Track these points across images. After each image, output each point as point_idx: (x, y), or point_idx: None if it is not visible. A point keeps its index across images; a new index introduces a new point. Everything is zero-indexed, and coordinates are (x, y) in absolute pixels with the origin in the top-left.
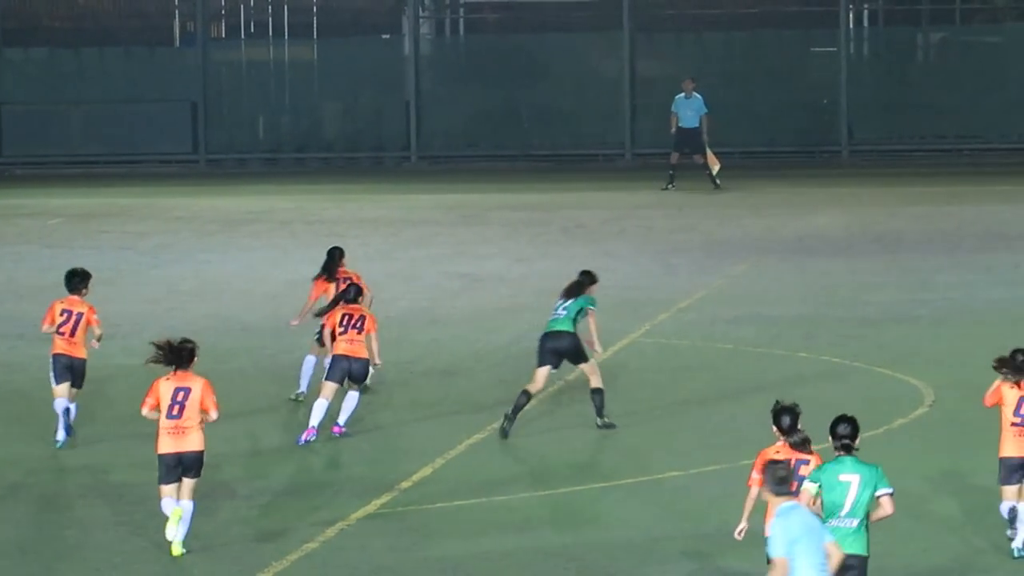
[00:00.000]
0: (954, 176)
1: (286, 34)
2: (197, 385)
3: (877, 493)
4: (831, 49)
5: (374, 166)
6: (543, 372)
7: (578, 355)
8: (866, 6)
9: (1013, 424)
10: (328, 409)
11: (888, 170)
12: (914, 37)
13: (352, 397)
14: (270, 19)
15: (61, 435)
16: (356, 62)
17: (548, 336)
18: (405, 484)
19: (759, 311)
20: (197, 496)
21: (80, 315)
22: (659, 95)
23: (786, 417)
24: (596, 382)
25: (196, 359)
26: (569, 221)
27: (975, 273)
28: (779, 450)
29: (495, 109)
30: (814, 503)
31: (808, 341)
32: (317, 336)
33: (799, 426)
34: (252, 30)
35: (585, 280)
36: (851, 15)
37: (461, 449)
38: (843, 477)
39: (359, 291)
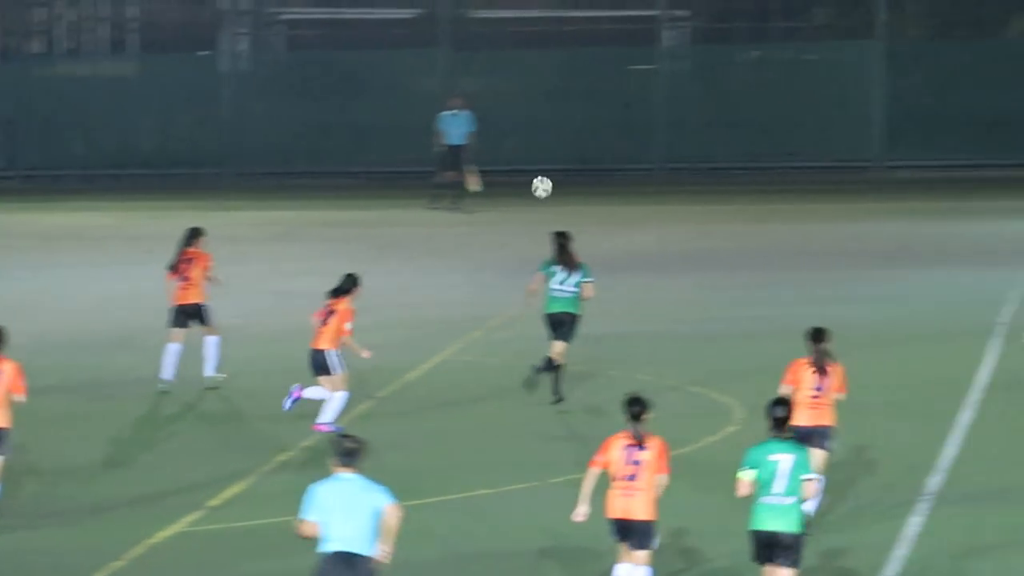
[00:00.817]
0: (768, 194)
1: (104, 50)
2: (8, 367)
3: (802, 476)
4: (648, 67)
5: (190, 182)
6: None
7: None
8: (683, 24)
9: (811, 396)
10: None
11: (703, 188)
12: (731, 55)
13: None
14: (88, 35)
15: None
16: (174, 79)
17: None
18: (213, 502)
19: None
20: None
21: None
22: (477, 112)
23: (635, 406)
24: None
25: (6, 342)
26: (384, 238)
27: (787, 290)
28: (622, 436)
29: (313, 126)
30: (749, 486)
31: (621, 358)
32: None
33: (647, 414)
34: (70, 46)
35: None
36: (669, 33)
37: (271, 467)
38: (773, 457)
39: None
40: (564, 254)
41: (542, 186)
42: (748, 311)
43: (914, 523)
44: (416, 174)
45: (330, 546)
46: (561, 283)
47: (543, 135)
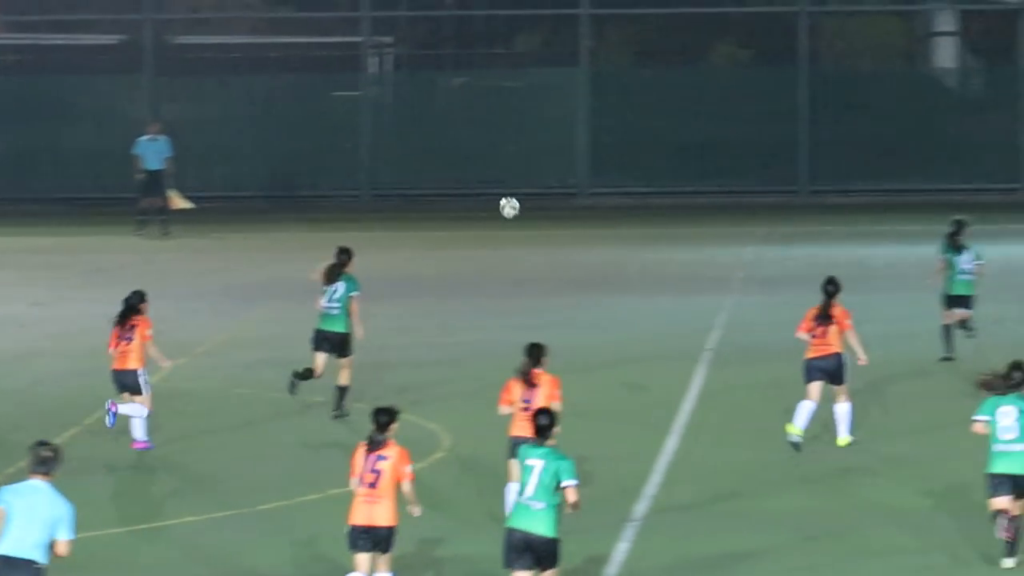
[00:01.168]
0: (475, 221)
1: None
2: None
3: (562, 483)
4: (353, 93)
5: None
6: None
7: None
8: (388, 50)
9: (524, 409)
10: None
11: (410, 214)
12: (435, 81)
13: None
14: None
15: None
16: None
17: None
18: None
19: (279, 355)
20: None
21: None
22: (183, 138)
23: (381, 415)
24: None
25: None
26: (88, 265)
27: (494, 317)
28: (365, 445)
29: (17, 152)
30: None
31: (325, 384)
32: None
33: (393, 426)
34: None
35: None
36: (373, 59)
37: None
38: (530, 461)
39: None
40: (334, 271)
41: (509, 204)
42: (456, 337)
43: (621, 548)
44: (122, 200)
45: (1, 547)
46: (329, 300)
47: (248, 161)
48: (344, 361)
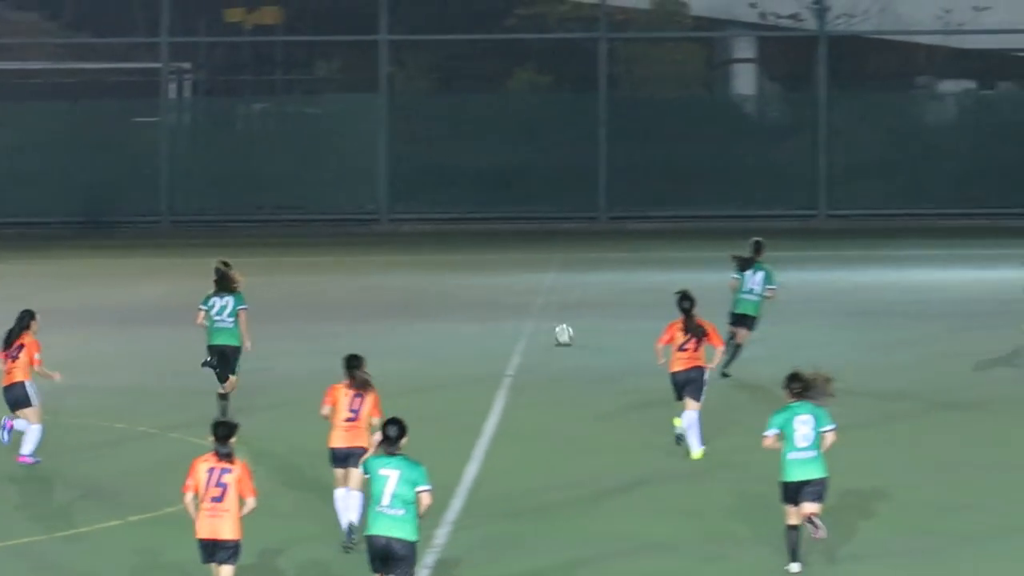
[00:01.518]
0: (276, 247)
1: None
2: None
3: (417, 489)
4: (153, 119)
5: None
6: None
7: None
8: (187, 76)
9: (346, 419)
10: None
11: (209, 240)
12: (235, 108)
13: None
14: None
15: None
16: None
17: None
18: None
19: (82, 381)
20: None
21: None
22: None
23: (221, 428)
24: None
25: None
26: None
27: (298, 343)
28: (207, 459)
29: None
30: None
31: (130, 411)
32: None
33: (233, 439)
34: None
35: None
36: (173, 85)
37: None
38: (383, 471)
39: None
40: (224, 282)
41: (566, 332)
42: (257, 363)
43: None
44: None
45: None
46: (219, 314)
47: (49, 188)
48: (231, 378)
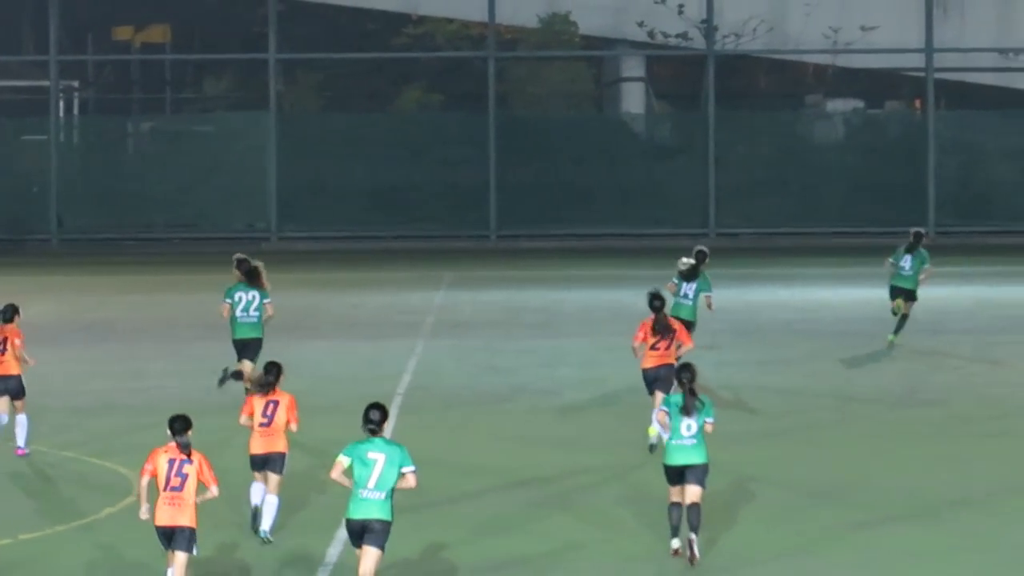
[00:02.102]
0: (167, 265)
1: None
2: None
3: (402, 469)
4: (42, 137)
5: None
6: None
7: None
8: (76, 94)
9: (260, 425)
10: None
11: (100, 258)
12: (124, 126)
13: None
14: None
15: None
16: None
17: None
18: None
19: None
20: None
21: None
22: None
23: (178, 422)
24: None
25: None
26: None
27: (190, 363)
28: (167, 450)
29: None
30: (344, 474)
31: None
32: None
33: (189, 432)
34: None
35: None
36: (62, 103)
37: None
38: (371, 455)
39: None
40: (253, 278)
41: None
42: (148, 382)
43: None
44: None
45: None
46: (244, 309)
47: None
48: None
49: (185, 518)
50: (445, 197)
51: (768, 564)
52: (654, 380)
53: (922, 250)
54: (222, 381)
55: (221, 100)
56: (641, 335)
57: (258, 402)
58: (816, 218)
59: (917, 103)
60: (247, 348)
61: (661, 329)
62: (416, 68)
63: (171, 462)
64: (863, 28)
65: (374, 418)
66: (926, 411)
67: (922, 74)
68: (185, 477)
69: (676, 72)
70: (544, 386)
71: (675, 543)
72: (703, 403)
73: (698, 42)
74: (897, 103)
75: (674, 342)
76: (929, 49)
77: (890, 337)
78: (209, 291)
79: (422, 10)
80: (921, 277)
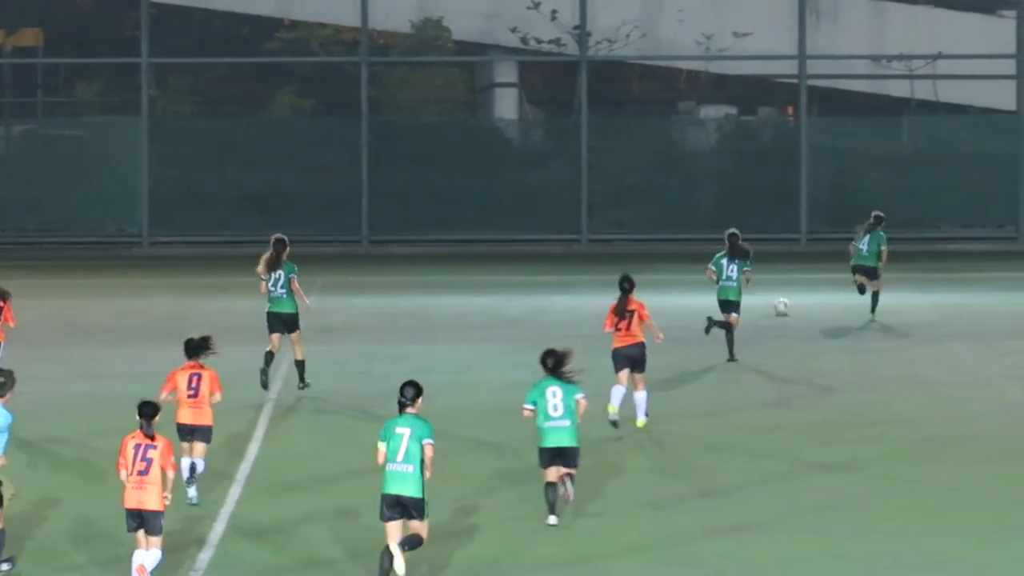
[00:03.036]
0: (38, 269)
1: None
2: None
3: (422, 440)
4: None
5: None
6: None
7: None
8: None
9: (188, 397)
10: None
11: None
12: None
13: None
14: None
15: None
16: None
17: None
18: None
19: None
20: None
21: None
22: None
23: (146, 407)
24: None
25: None
26: None
27: (55, 366)
28: (135, 436)
29: None
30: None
31: None
32: None
33: (156, 418)
34: None
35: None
36: None
37: None
38: (399, 429)
39: None
40: (274, 260)
41: (782, 307)
42: (20, 387)
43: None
44: None
45: None
46: (274, 285)
47: None
48: (295, 336)
49: (152, 501)
50: (317, 202)
51: (630, 559)
52: (623, 359)
53: (880, 232)
54: (264, 375)
55: (93, 104)
56: (608, 321)
57: (182, 376)
58: (689, 224)
59: (790, 110)
60: (285, 322)
61: (620, 311)
62: (289, 73)
63: (137, 447)
64: (736, 34)
65: (406, 394)
66: (796, 418)
67: (795, 81)
68: (150, 461)
69: (549, 78)
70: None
71: (552, 519)
72: (569, 384)
73: (571, 48)
74: (770, 109)
75: (635, 320)
76: (802, 56)
77: (869, 316)
78: (79, 295)
79: (295, 15)
80: (882, 260)
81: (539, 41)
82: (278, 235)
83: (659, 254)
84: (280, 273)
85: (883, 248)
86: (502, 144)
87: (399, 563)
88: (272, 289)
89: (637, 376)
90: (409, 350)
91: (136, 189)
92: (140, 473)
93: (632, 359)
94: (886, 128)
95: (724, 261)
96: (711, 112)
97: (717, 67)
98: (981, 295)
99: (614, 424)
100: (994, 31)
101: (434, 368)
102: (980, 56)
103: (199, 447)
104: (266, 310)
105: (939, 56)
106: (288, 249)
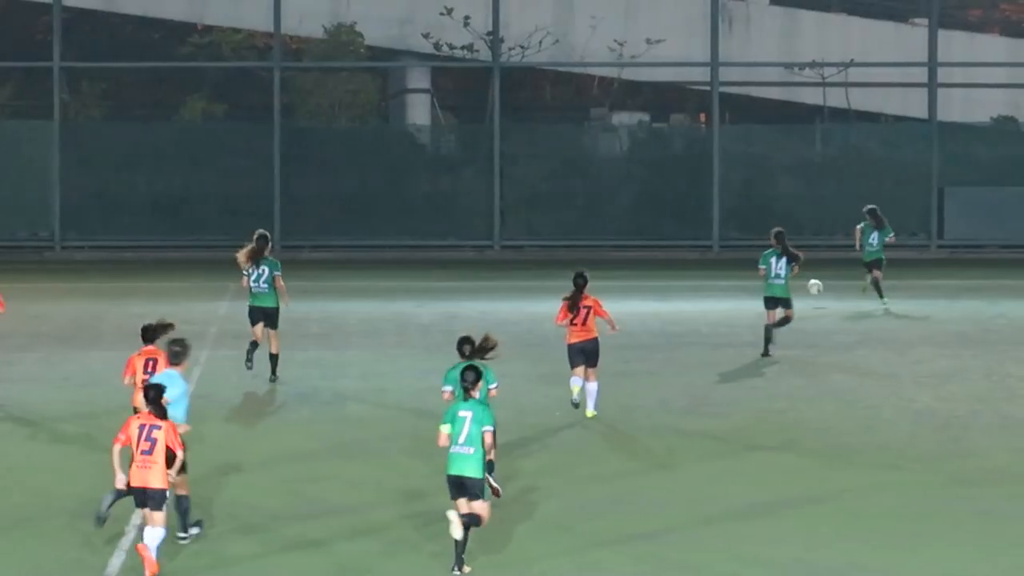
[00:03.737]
0: None
1: None
2: None
3: (483, 428)
4: None
5: None
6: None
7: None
8: None
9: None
10: None
11: None
12: None
13: None
14: None
15: None
16: None
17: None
18: None
19: None
20: None
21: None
22: None
23: (151, 391)
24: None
25: None
26: None
27: None
28: (140, 416)
29: None
30: (446, 438)
31: None
32: None
33: (163, 400)
34: None
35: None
36: None
37: None
38: (461, 413)
39: None
40: (257, 253)
41: (815, 286)
42: None
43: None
44: None
45: None
46: (256, 280)
47: None
48: (273, 332)
49: (157, 479)
50: (229, 207)
51: (539, 568)
52: (578, 354)
53: (887, 227)
54: (249, 357)
55: (4, 108)
56: (560, 315)
57: (138, 361)
58: (601, 231)
59: (702, 117)
60: (267, 316)
61: (573, 306)
62: (201, 78)
63: (142, 427)
64: (649, 41)
65: (468, 378)
66: (709, 424)
67: (707, 88)
68: (155, 441)
69: (462, 84)
70: (326, 397)
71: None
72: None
73: (484, 54)
74: (682, 116)
75: (590, 316)
76: (714, 63)
77: (884, 303)
78: None
79: (208, 20)
80: (888, 240)
81: (452, 47)
82: (261, 231)
83: (569, 260)
84: (264, 269)
85: (890, 236)
86: (415, 150)
87: (456, 528)
88: (255, 284)
89: (589, 370)
90: (321, 355)
91: (48, 194)
92: (144, 453)
93: (586, 353)
94: (798, 135)
95: (773, 259)
96: (623, 119)
97: (630, 74)
98: (893, 303)
99: (575, 405)
100: (906, 39)
101: (345, 374)
102: (892, 64)
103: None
104: (248, 304)
105: (851, 64)
106: (270, 245)
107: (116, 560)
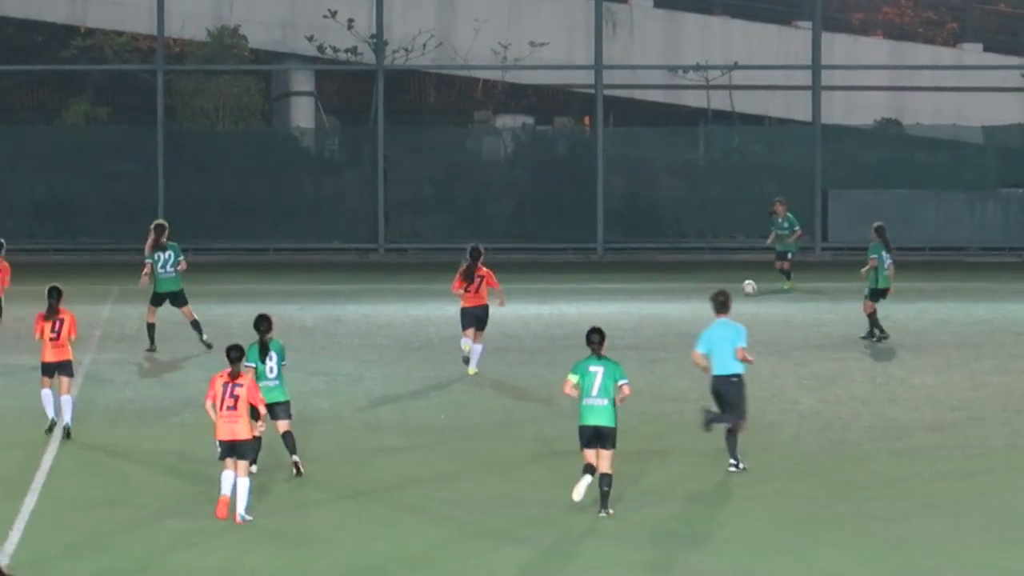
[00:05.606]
0: None
1: None
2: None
3: (618, 382)
4: None
5: None
6: None
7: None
8: None
9: (51, 339)
10: None
11: None
12: None
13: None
14: None
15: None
16: None
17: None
18: None
19: None
20: None
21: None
22: None
23: (233, 351)
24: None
25: None
26: None
27: None
28: (222, 375)
29: None
30: (573, 388)
31: None
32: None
33: (242, 359)
34: None
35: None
36: None
37: None
38: (592, 368)
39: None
40: (157, 242)
41: (750, 286)
42: None
43: None
44: None
45: None
46: (163, 266)
47: None
48: (186, 307)
49: (242, 431)
50: (111, 211)
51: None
52: (470, 317)
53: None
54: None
55: None
56: (456, 283)
57: (46, 324)
58: (484, 234)
59: (586, 120)
60: (174, 297)
61: (468, 275)
62: (83, 81)
63: (225, 386)
64: (532, 44)
65: (594, 339)
66: None
67: (591, 91)
68: (237, 398)
69: (346, 87)
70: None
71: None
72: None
73: (368, 57)
74: (566, 119)
75: (483, 285)
76: (598, 66)
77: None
78: None
79: (90, 22)
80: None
81: (336, 50)
82: (159, 220)
83: (453, 263)
84: (170, 253)
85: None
86: (298, 153)
87: (579, 490)
88: (162, 270)
89: (478, 333)
90: (203, 359)
91: None
92: (229, 408)
93: (477, 317)
94: (682, 138)
95: (884, 252)
96: (507, 122)
97: (513, 76)
98: (777, 305)
99: (465, 361)
100: (789, 41)
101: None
102: (776, 67)
103: (65, 381)
104: (153, 291)
105: (735, 66)
106: (168, 231)
107: None
